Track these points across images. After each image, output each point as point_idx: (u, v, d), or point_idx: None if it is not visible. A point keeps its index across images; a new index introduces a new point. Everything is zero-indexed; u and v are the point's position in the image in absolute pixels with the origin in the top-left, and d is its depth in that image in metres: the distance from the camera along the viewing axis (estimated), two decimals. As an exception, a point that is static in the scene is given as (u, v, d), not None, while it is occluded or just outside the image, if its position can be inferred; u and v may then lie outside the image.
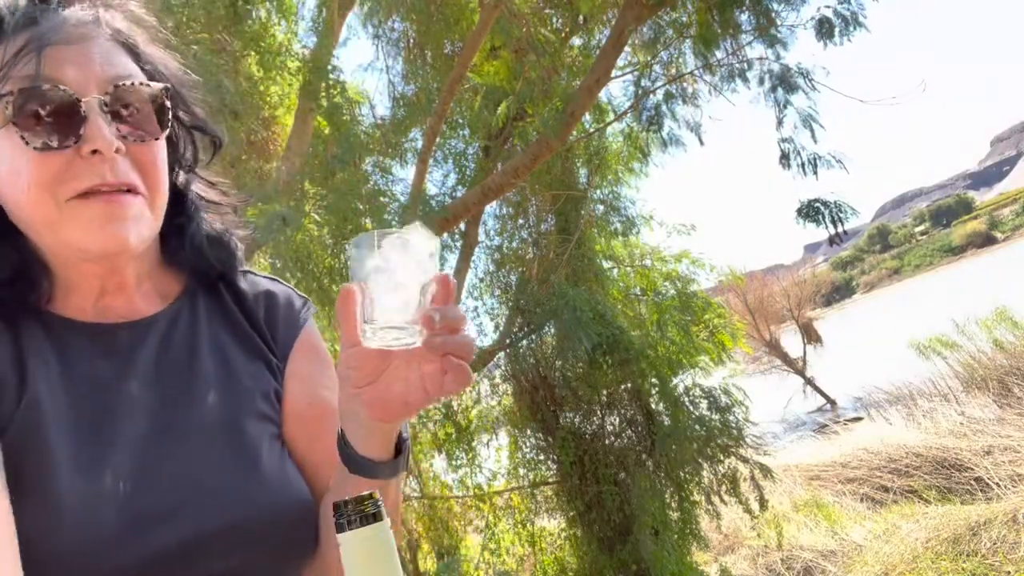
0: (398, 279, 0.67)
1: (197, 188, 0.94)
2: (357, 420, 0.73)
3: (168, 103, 0.81)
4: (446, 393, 0.69)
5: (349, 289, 0.66)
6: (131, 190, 0.76)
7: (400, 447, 0.77)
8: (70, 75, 0.73)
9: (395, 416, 0.71)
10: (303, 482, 0.84)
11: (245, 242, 1.00)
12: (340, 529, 0.53)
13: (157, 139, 0.79)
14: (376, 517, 0.54)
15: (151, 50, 0.84)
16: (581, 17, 6.22)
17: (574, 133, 5.82)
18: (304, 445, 0.87)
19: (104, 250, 0.76)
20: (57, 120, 0.72)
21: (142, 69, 0.81)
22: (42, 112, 0.71)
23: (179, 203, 0.90)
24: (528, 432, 6.76)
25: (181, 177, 0.91)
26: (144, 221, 0.78)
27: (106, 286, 0.83)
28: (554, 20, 6.69)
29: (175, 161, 0.90)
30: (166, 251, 0.91)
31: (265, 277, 0.99)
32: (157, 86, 0.80)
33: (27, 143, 0.72)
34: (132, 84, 0.77)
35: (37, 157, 0.72)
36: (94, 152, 0.73)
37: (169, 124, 0.82)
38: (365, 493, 0.55)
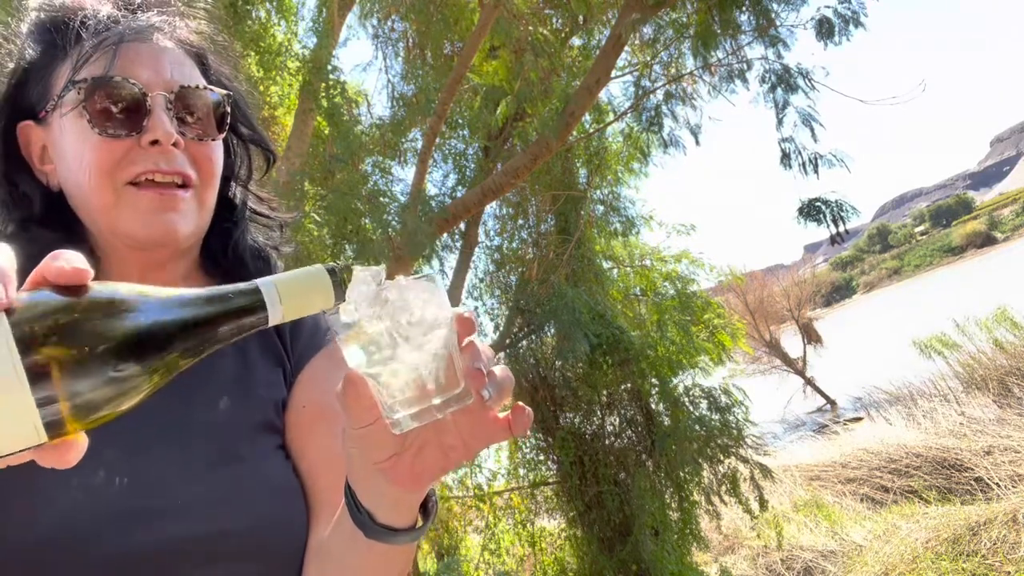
0: (425, 339, 0.54)
1: (250, 202, 0.98)
2: (376, 487, 0.62)
3: (228, 109, 0.87)
4: (497, 442, 0.59)
5: (354, 377, 0.54)
6: (185, 183, 0.81)
7: (426, 503, 0.66)
8: (141, 73, 0.79)
9: (428, 484, 0.60)
10: (301, 498, 0.81)
11: (286, 259, 1.01)
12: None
13: (214, 140, 0.84)
14: (340, 285, 0.54)
15: (219, 66, 0.90)
16: (581, 17, 6.22)
17: (574, 133, 5.82)
18: (297, 446, 0.85)
19: (154, 238, 0.79)
20: (124, 111, 0.77)
21: (208, 80, 0.87)
22: (110, 101, 0.77)
23: (229, 209, 0.94)
24: (528, 432, 6.75)
25: (238, 193, 0.96)
26: (193, 216, 0.82)
27: (146, 282, 0.84)
28: (554, 20, 6.69)
29: (230, 174, 0.94)
30: (206, 258, 0.93)
31: None
32: (220, 92, 0.86)
33: (92, 127, 0.77)
34: (196, 87, 0.82)
35: (100, 143, 0.77)
36: (154, 143, 0.78)
37: (227, 128, 0.86)
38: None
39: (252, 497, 0.77)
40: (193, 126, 0.81)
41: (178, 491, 0.74)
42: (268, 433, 0.84)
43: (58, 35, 0.81)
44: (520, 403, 0.57)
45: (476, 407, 0.56)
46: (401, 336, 0.53)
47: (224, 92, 0.86)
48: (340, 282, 0.54)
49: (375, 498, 0.62)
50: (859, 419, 12.86)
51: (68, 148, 0.79)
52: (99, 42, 0.79)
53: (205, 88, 0.83)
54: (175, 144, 0.78)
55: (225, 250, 0.92)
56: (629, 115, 6.37)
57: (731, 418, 6.18)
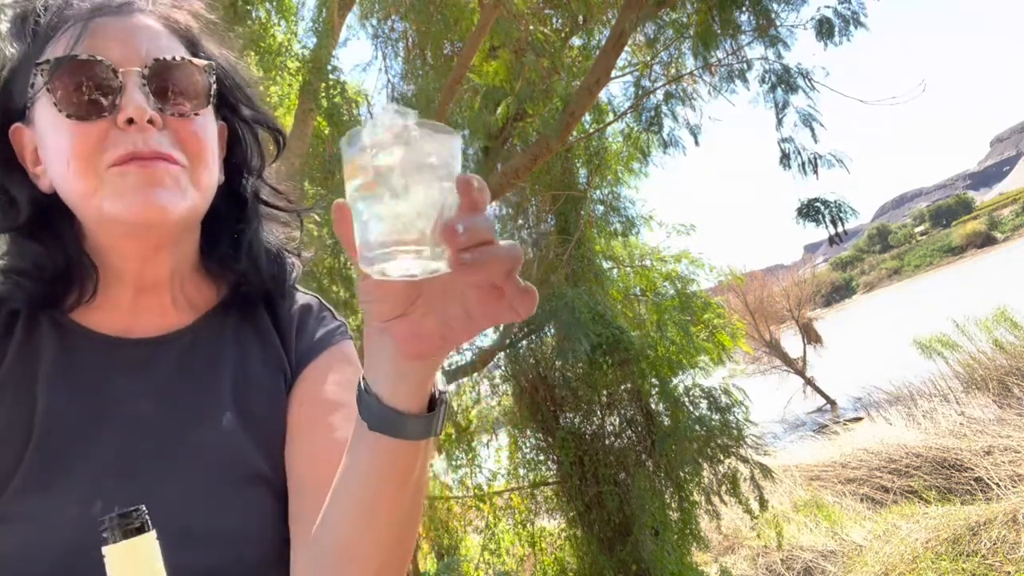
0: (408, 179, 0.50)
1: (264, 196, 0.92)
2: (384, 358, 0.60)
3: (213, 80, 0.80)
4: (502, 323, 0.56)
5: (340, 205, 0.53)
6: (170, 161, 0.75)
7: (435, 400, 0.64)
8: (112, 49, 0.74)
9: (433, 352, 0.59)
10: (285, 525, 0.79)
11: (306, 264, 0.95)
12: (103, 543, 0.48)
13: (198, 114, 0.78)
14: (141, 530, 0.48)
15: (210, 46, 0.85)
16: (581, 17, 6.22)
17: (574, 133, 5.82)
18: (291, 445, 0.82)
19: (140, 217, 0.73)
20: (94, 91, 0.73)
21: (197, 58, 0.81)
22: (77, 81, 0.72)
23: (241, 208, 0.88)
24: (528, 432, 6.77)
25: (249, 184, 0.90)
26: (185, 193, 0.76)
27: (144, 278, 0.81)
28: (554, 20, 6.70)
29: (242, 165, 0.89)
30: (213, 258, 0.88)
31: (308, 294, 0.95)
32: (200, 62, 0.79)
33: (60, 111, 0.72)
34: (173, 59, 0.77)
35: (74, 128, 0.72)
36: (129, 122, 0.73)
37: (212, 100, 0.80)
38: (130, 509, 0.49)
39: (251, 533, 0.76)
40: (174, 102, 0.76)
41: (169, 523, 0.72)
42: (271, 451, 0.82)
43: (27, 25, 0.77)
44: (531, 288, 0.53)
45: (485, 283, 0.52)
46: (406, 174, 0.50)
47: (207, 63, 0.80)
48: None
49: (380, 368, 0.61)
50: (859, 419, 12.85)
51: (47, 138, 0.75)
52: (60, 20, 0.75)
53: (184, 60, 0.77)
54: (151, 121, 0.73)
55: (236, 251, 0.87)
56: (629, 115, 6.38)
57: (731, 418, 6.18)
